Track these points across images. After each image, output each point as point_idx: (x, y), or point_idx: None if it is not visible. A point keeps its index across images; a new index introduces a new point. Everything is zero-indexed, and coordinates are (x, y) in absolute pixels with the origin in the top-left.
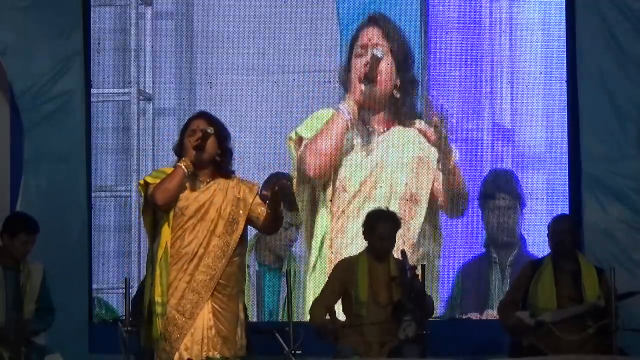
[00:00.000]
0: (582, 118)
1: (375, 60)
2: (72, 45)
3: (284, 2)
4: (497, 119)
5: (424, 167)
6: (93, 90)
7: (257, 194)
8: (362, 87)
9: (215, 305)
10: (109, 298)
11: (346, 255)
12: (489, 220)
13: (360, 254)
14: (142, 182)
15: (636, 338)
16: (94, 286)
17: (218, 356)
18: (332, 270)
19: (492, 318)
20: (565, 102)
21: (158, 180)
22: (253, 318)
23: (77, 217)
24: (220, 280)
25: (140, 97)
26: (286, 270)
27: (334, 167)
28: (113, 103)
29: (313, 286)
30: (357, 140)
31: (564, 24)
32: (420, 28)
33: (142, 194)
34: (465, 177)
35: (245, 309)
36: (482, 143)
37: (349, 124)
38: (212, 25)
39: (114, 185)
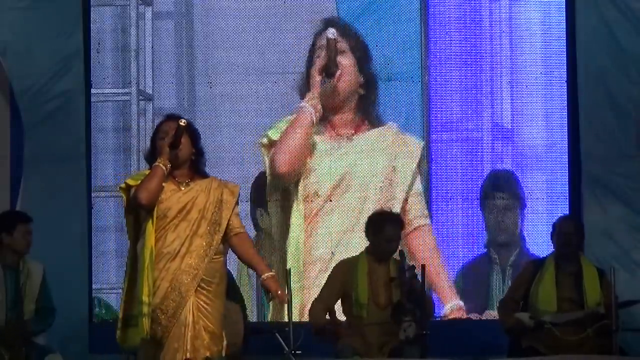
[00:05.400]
0: (582, 118)
1: (331, 44)
2: (72, 45)
3: (284, 2)
4: (497, 119)
5: (397, 177)
6: (93, 90)
7: (238, 198)
8: (323, 79)
9: (200, 302)
10: (109, 298)
11: (318, 257)
12: (488, 220)
13: (360, 255)
14: (123, 185)
15: (636, 338)
16: (94, 286)
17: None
18: (332, 271)
19: (492, 318)
20: (565, 102)
21: (138, 182)
22: (253, 318)
23: (77, 217)
24: (203, 277)
25: (140, 97)
26: (286, 270)
27: (303, 162)
28: (113, 103)
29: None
30: (327, 144)
31: (564, 24)
32: (420, 28)
33: (124, 196)
34: (465, 177)
35: (244, 309)
36: (482, 143)
37: (314, 119)
38: (212, 25)
39: (114, 185)
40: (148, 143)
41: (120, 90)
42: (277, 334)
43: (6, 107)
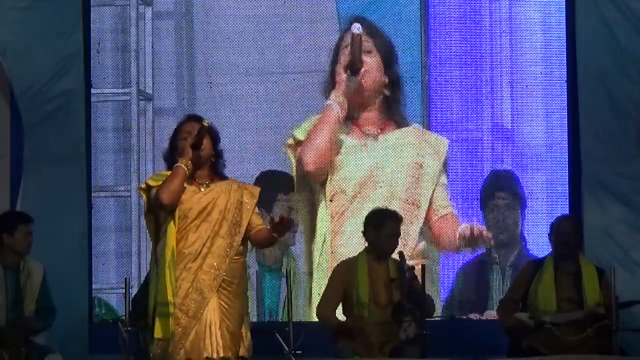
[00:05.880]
0: (582, 118)
1: (356, 39)
2: (72, 45)
3: (284, 2)
4: (497, 119)
5: (424, 173)
6: (93, 90)
7: (258, 199)
8: (349, 76)
9: (222, 302)
10: (109, 298)
11: (345, 255)
12: (488, 219)
13: (359, 255)
14: (143, 186)
15: (636, 338)
16: (94, 286)
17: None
18: (333, 272)
19: (492, 318)
20: (565, 102)
21: (159, 183)
22: (253, 318)
23: (77, 217)
24: (225, 277)
25: (140, 97)
26: (286, 270)
27: (331, 160)
28: (113, 103)
29: (315, 286)
30: (354, 142)
31: (564, 24)
32: (420, 28)
33: (144, 197)
34: (466, 177)
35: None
36: (482, 143)
37: (340, 116)
38: (212, 25)
39: (114, 185)
40: (148, 143)
41: (120, 90)
42: (277, 334)
43: (6, 107)
